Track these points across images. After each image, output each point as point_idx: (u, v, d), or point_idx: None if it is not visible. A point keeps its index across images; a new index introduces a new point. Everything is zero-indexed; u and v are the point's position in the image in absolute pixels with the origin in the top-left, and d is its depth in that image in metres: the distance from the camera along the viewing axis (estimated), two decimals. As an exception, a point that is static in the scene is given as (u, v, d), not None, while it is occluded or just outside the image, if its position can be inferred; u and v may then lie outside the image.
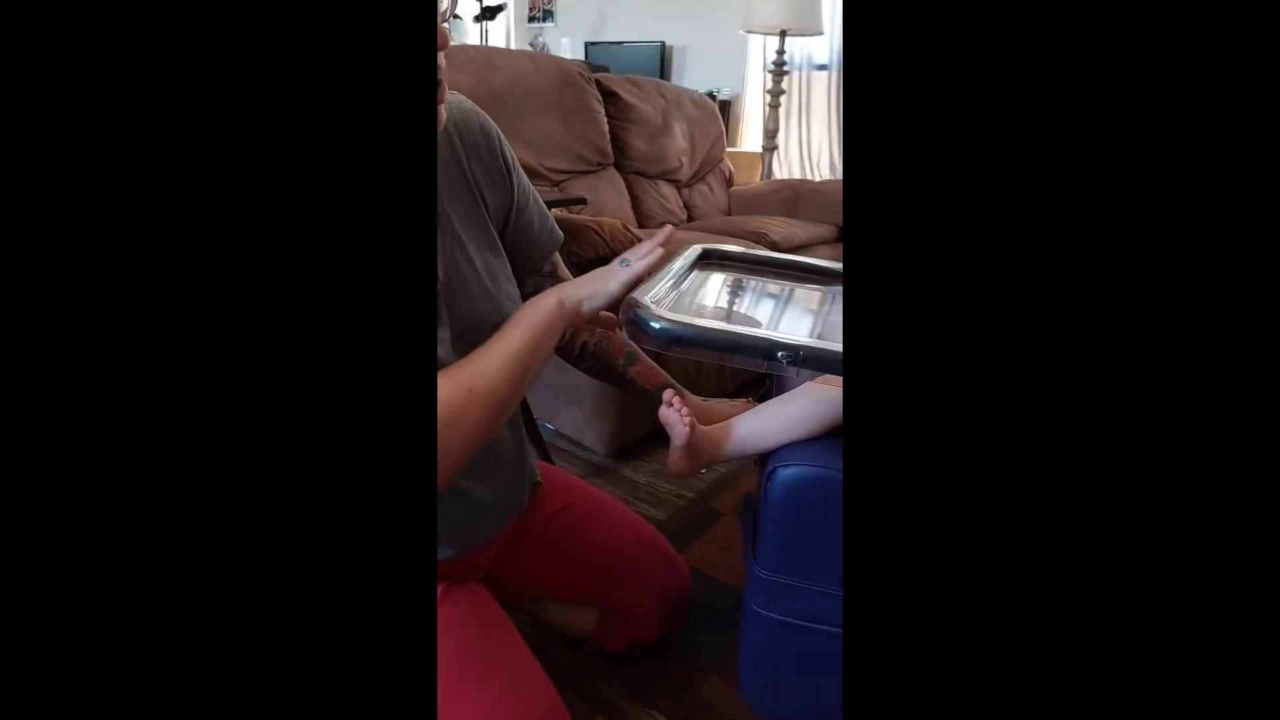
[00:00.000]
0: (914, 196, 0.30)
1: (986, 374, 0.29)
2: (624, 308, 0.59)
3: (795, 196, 2.29)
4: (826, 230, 2.19)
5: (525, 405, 1.24)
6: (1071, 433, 0.28)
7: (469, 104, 0.61)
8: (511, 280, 0.63)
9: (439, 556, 0.62)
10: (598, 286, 0.56)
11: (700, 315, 0.62)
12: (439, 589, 0.62)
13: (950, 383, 0.29)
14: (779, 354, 0.53)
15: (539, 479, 0.76)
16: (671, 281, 0.67)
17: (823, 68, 2.85)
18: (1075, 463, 0.28)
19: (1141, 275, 0.28)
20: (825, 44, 2.79)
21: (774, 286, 0.88)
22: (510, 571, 0.73)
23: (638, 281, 0.57)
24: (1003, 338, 0.29)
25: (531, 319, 0.54)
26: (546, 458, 1.25)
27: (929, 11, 0.29)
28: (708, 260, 0.87)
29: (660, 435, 1.66)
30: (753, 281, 0.90)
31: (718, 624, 0.91)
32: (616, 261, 0.58)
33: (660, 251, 0.58)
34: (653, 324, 0.56)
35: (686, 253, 0.79)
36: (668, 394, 0.62)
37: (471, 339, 0.54)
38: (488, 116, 0.62)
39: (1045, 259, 0.29)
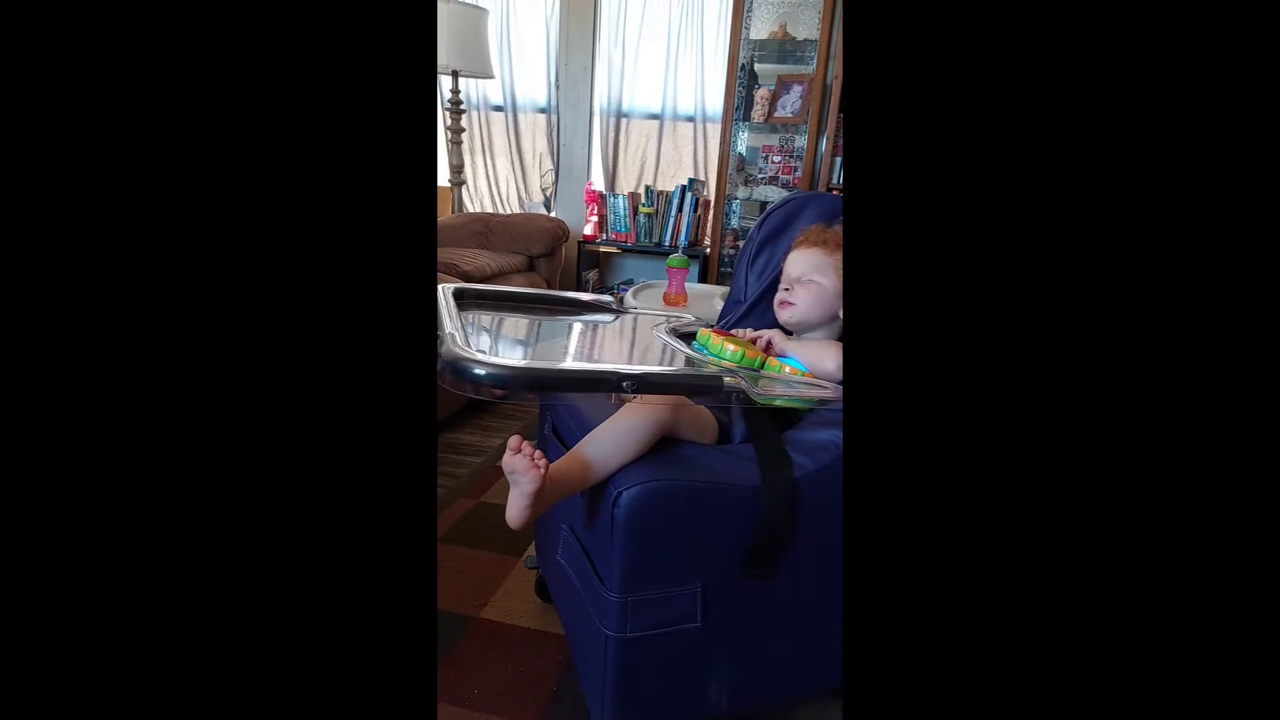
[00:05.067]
0: (912, 199, 0.30)
1: (984, 375, 0.29)
2: (445, 363, 0.56)
3: (485, 229, 2.35)
4: (517, 260, 2.29)
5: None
6: (1069, 434, 0.29)
7: None
8: None
9: None
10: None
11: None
12: None
13: (948, 385, 0.30)
14: (624, 384, 0.56)
15: None
16: (459, 325, 0.66)
17: (499, 109, 2.97)
18: (1073, 464, 0.29)
19: (1138, 275, 0.28)
20: (498, 87, 2.92)
21: (542, 321, 0.91)
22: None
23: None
24: (1001, 338, 0.29)
25: None
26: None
27: (929, 12, 0.29)
28: (463, 299, 0.87)
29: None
30: (514, 319, 0.91)
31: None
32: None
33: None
34: (479, 372, 0.54)
35: (441, 296, 0.79)
36: (514, 440, 0.60)
37: None
38: None
39: (1044, 264, 0.29)
